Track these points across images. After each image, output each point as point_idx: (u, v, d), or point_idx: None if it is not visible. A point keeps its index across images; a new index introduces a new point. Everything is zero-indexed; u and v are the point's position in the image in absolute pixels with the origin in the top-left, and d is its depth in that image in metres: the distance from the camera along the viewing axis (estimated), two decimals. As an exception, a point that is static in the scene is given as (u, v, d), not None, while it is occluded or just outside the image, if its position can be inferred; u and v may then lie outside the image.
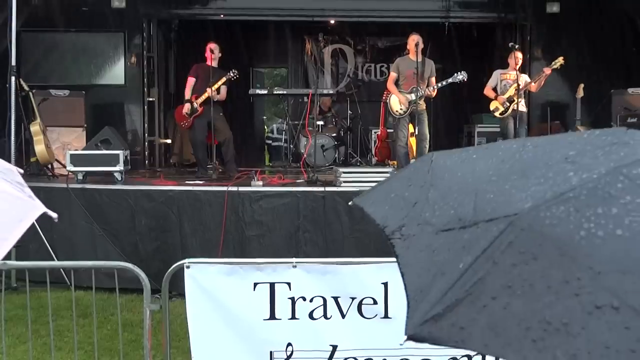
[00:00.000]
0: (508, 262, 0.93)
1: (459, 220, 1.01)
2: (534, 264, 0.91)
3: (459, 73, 8.12)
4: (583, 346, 0.83)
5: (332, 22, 12.22)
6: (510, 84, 8.23)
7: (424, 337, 1.00)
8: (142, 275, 3.29)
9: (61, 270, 5.69)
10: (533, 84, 8.29)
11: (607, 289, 0.84)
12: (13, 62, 6.95)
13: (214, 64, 8.16)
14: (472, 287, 0.94)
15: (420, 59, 8.06)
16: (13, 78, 6.92)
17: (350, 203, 1.39)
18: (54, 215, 1.56)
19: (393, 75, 8.30)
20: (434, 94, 8.19)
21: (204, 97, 7.90)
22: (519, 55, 8.39)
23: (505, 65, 8.58)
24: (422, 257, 1.05)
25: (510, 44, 8.32)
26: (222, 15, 10.88)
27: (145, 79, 10.62)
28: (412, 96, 8.04)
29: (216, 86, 7.92)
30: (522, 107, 8.42)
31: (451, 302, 0.95)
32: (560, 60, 8.13)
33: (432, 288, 0.99)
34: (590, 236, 0.88)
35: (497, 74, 8.56)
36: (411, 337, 1.02)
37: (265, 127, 12.51)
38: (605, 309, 0.83)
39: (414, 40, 8.08)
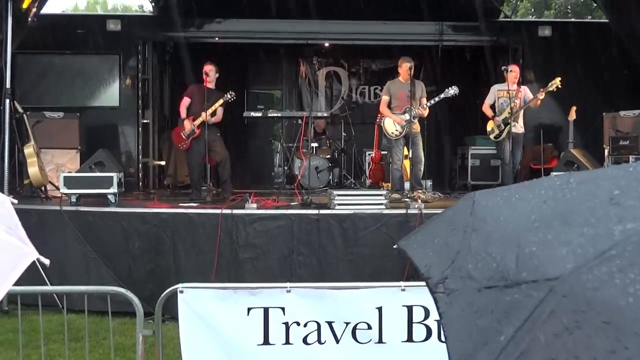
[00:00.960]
0: (550, 333, 0.87)
1: (501, 278, 0.96)
2: (578, 333, 0.85)
3: (450, 88, 8.16)
4: None
5: (326, 45, 12.31)
6: (507, 103, 8.19)
7: None
8: (136, 300, 3.28)
9: (54, 294, 5.65)
10: (531, 103, 8.26)
11: None
12: (8, 85, 6.95)
13: (211, 85, 8.16)
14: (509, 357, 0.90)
15: (410, 81, 8.14)
16: (7, 100, 6.92)
17: (395, 246, 1.34)
18: (47, 261, 1.55)
19: (385, 98, 8.36)
20: (426, 112, 8.22)
21: (200, 120, 7.91)
22: (516, 69, 8.42)
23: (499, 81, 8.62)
24: (464, 317, 1.00)
25: (503, 68, 8.37)
26: (216, 38, 10.96)
27: (139, 101, 10.65)
28: (407, 116, 8.09)
29: (212, 110, 7.92)
30: (519, 129, 8.40)
31: None
32: (556, 82, 8.07)
33: (475, 358, 0.95)
34: (635, 299, 0.82)
35: (494, 90, 8.57)
36: None
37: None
38: None
39: (406, 66, 8.17)
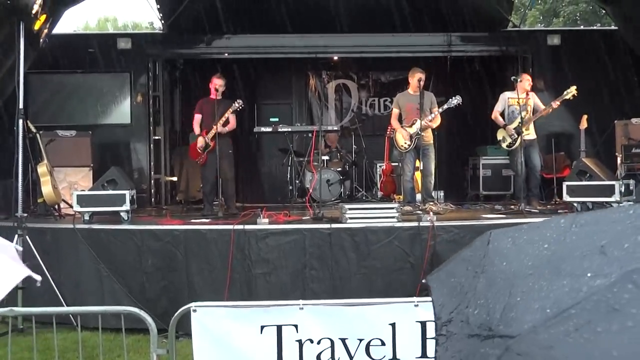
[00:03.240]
0: None
1: (487, 327, 0.99)
2: None
3: (453, 98, 8.16)
4: None
5: (335, 58, 12.34)
6: (518, 111, 8.13)
7: None
8: (149, 319, 3.29)
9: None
10: (543, 112, 8.24)
11: None
12: (21, 105, 7.02)
13: (218, 96, 8.24)
14: None
15: (419, 93, 8.15)
16: (21, 120, 6.98)
17: (423, 281, 1.44)
18: (38, 278, 1.62)
19: (395, 111, 8.41)
20: (433, 123, 8.20)
21: (212, 132, 8.01)
22: (528, 77, 8.42)
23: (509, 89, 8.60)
24: None
25: (513, 78, 8.35)
26: (226, 54, 11.03)
27: (151, 118, 10.75)
28: (414, 128, 8.10)
29: (223, 119, 8.02)
30: (531, 135, 8.37)
31: None
32: (572, 90, 7.99)
33: None
34: (586, 358, 0.84)
35: (504, 98, 8.53)
36: None
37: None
38: None
39: (416, 77, 8.18)
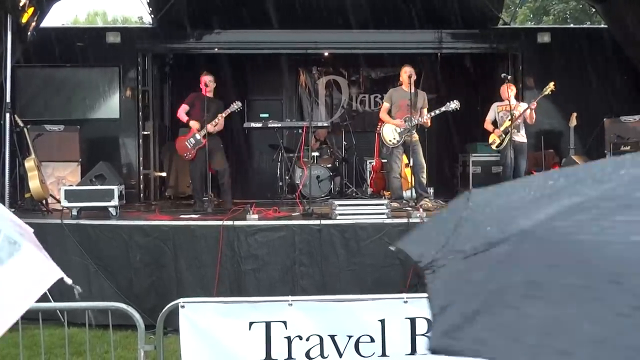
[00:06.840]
0: (526, 272, 0.93)
1: (487, 244, 1.01)
2: (553, 272, 0.91)
3: (451, 102, 8.18)
4: (605, 350, 0.84)
5: (326, 54, 12.32)
6: (507, 115, 8.27)
7: (444, 349, 1.00)
8: (137, 315, 3.26)
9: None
10: (527, 112, 8.34)
11: (629, 292, 0.85)
12: (8, 99, 6.95)
13: (210, 94, 8.23)
14: (491, 297, 0.95)
15: (413, 90, 8.12)
16: (8, 114, 6.92)
17: (392, 248, 1.46)
18: (69, 280, 1.52)
19: (386, 105, 8.35)
20: (429, 123, 8.22)
21: (204, 131, 7.95)
22: (512, 86, 8.52)
23: (499, 96, 8.68)
24: (448, 281, 1.07)
25: (503, 75, 8.40)
26: (216, 49, 10.98)
27: (140, 113, 10.65)
28: (406, 125, 8.09)
29: (225, 114, 8.04)
30: (521, 138, 8.45)
31: (469, 313, 0.96)
32: (550, 86, 8.17)
33: (453, 304, 1.00)
34: (608, 243, 0.89)
35: (494, 107, 8.66)
36: (432, 351, 1.03)
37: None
38: (629, 310, 0.84)
39: (407, 72, 8.16)
